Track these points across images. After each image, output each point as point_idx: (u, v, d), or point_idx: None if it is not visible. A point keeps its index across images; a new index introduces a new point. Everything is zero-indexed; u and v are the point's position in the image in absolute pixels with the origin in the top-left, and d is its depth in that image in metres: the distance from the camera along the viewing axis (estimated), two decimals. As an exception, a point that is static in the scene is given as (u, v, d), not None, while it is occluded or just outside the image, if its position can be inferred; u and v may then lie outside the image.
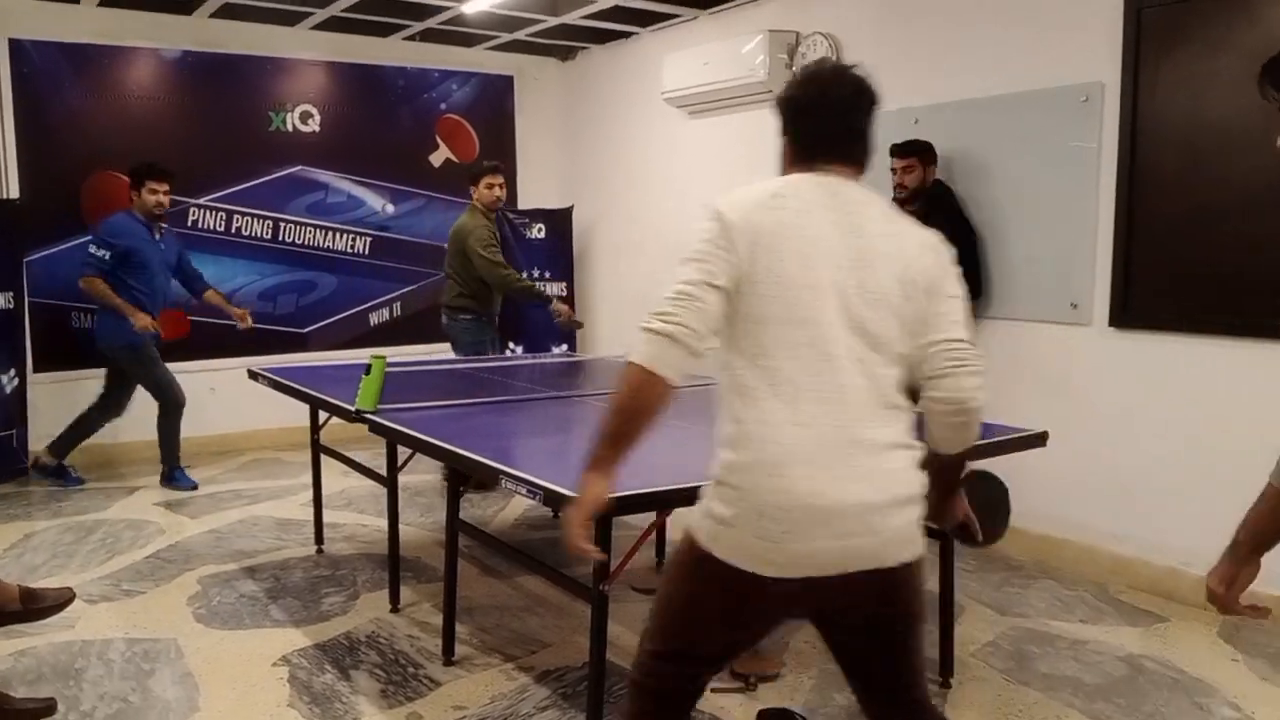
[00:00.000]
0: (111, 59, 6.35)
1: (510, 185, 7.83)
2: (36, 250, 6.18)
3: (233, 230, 6.80)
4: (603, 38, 7.22)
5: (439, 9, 6.30)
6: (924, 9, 5.10)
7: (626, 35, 7.08)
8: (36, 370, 6.20)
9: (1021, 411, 4.17)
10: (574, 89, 7.92)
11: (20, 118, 6.09)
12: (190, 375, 6.44)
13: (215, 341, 6.58)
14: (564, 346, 7.18)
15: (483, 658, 3.55)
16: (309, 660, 3.52)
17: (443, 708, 3.18)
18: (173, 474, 5.95)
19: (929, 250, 1.99)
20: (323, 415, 4.39)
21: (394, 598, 3.99)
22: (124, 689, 3.28)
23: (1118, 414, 4.35)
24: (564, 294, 7.32)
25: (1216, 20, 3.92)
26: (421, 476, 5.79)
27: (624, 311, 7.31)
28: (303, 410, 4.52)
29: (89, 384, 6.30)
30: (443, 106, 7.56)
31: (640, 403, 1.93)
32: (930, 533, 3.44)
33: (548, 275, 7.53)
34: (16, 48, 6.06)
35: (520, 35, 7.04)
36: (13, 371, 5.88)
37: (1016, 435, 3.23)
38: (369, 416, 3.46)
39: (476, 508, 5.34)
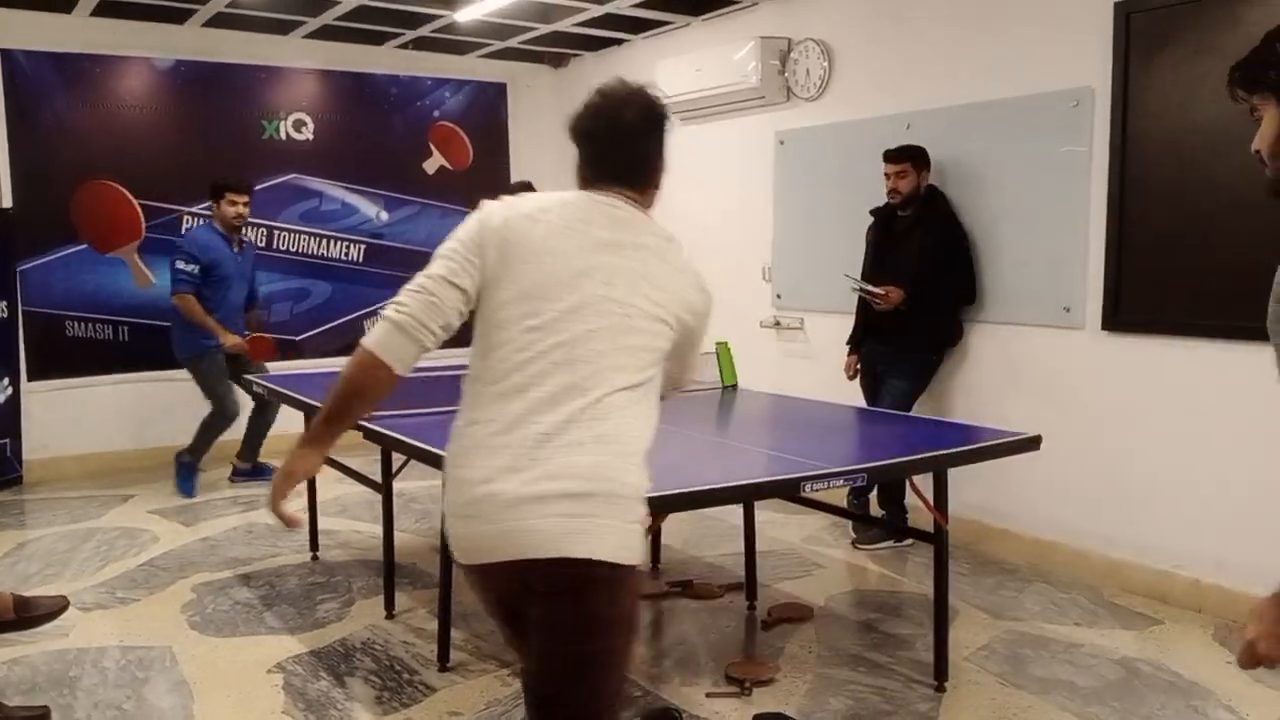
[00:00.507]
0: (104, 68, 6.35)
1: (504, 192, 7.84)
2: (29, 259, 6.18)
3: (226, 238, 6.79)
4: (595, 45, 7.24)
5: (431, 17, 6.31)
6: (915, 15, 5.12)
7: (619, 42, 7.10)
8: (30, 379, 6.19)
9: (1014, 416, 4.19)
10: (567, 96, 7.93)
11: (12, 127, 6.09)
12: (185, 383, 6.43)
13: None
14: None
15: (478, 664, 3.55)
16: (304, 667, 3.52)
17: (438, 714, 3.18)
18: (186, 473, 5.95)
19: (690, 286, 2.11)
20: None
21: (389, 604, 3.99)
22: (118, 697, 3.28)
23: (1110, 417, 4.36)
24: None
25: (1204, 24, 3.94)
26: (416, 483, 5.79)
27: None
28: (297, 417, 4.52)
29: (83, 393, 6.32)
30: (436, 114, 7.57)
31: (361, 385, 1.95)
32: (920, 535, 3.46)
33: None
34: (8, 58, 6.06)
35: (513, 43, 7.06)
36: (5, 381, 5.87)
37: (1010, 439, 3.23)
38: (363, 423, 3.46)
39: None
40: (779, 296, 6.03)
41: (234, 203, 5.87)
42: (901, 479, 4.31)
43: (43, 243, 6.22)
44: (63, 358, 6.30)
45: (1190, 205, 4.02)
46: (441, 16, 6.28)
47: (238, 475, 6.22)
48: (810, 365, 5.76)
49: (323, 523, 4.98)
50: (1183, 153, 4.04)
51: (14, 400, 5.98)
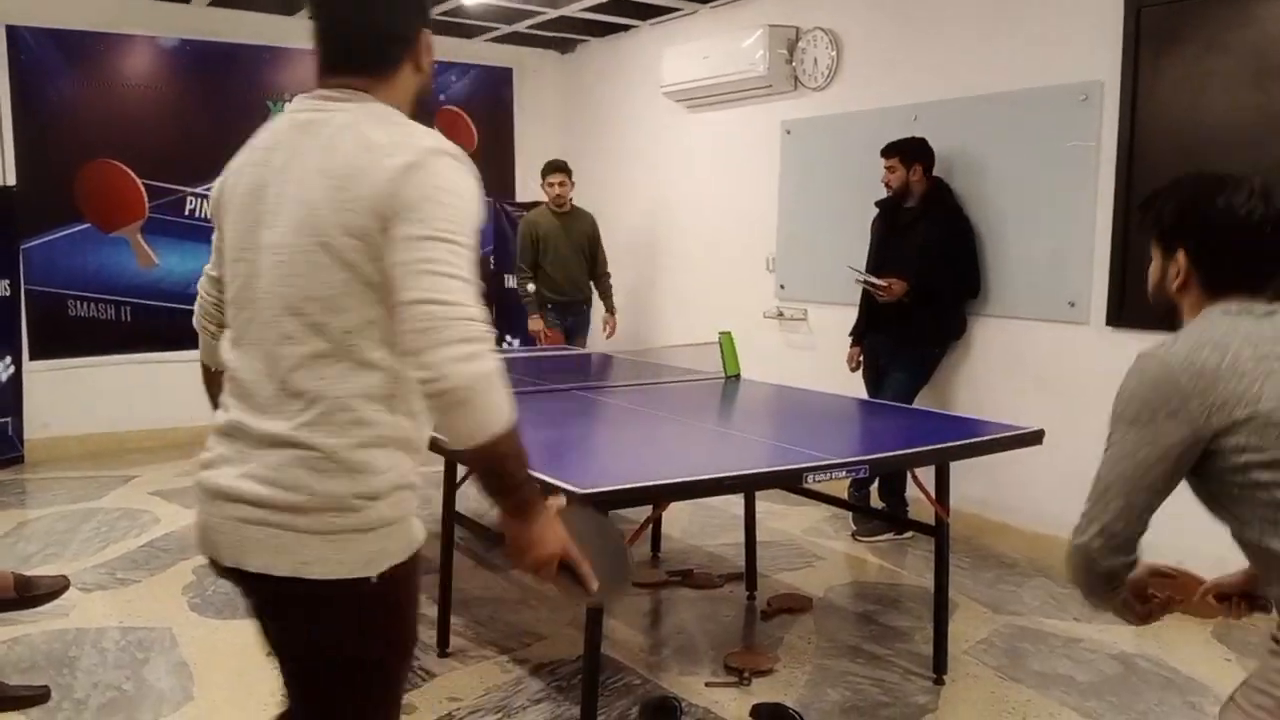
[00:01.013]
0: (109, 47, 6.33)
1: (509, 178, 7.85)
2: (33, 238, 6.16)
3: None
4: (602, 30, 7.21)
5: (438, 0, 6.28)
6: (924, 6, 5.10)
7: (626, 28, 7.07)
8: (33, 358, 6.19)
9: (1018, 409, 4.19)
10: (573, 82, 7.91)
11: (17, 105, 6.07)
12: (184, 365, 6.43)
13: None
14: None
15: (477, 650, 3.55)
16: (303, 651, 3.52)
17: (437, 699, 3.18)
18: None
19: (363, 176, 1.51)
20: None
21: (389, 589, 3.98)
22: (118, 678, 3.28)
23: (1104, 416, 4.35)
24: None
25: (1215, 20, 3.92)
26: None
27: (619, 304, 7.30)
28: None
29: (85, 372, 6.32)
30: (441, 98, 7.55)
31: (203, 379, 2.02)
32: (921, 528, 3.46)
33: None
34: (13, 35, 6.04)
35: (520, 27, 7.03)
36: (8, 359, 5.87)
37: (1012, 433, 3.23)
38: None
39: (473, 499, 5.34)
40: (782, 287, 6.02)
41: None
42: (903, 471, 4.33)
43: (45, 222, 6.20)
44: (65, 337, 6.29)
45: (1198, 201, 4.01)
46: (449, 0, 6.26)
47: None
48: (813, 356, 5.75)
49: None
50: (1191, 148, 4.02)
51: (15, 379, 5.98)
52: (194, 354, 2.04)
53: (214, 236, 1.78)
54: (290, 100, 1.68)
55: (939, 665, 3.37)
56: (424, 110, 1.71)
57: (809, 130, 5.77)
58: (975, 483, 4.63)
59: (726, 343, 4.38)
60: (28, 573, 3.39)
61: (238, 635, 3.64)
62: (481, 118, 7.72)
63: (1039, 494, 4.62)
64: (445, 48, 7.45)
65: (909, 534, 4.76)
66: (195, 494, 1.66)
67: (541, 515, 1.56)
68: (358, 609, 1.59)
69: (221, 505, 1.58)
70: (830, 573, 4.46)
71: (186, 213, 6.58)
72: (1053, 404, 4.46)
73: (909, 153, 4.73)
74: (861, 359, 5.03)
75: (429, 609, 3.80)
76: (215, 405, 1.76)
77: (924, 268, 4.68)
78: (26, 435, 6.13)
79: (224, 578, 1.65)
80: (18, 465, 6.03)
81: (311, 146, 1.57)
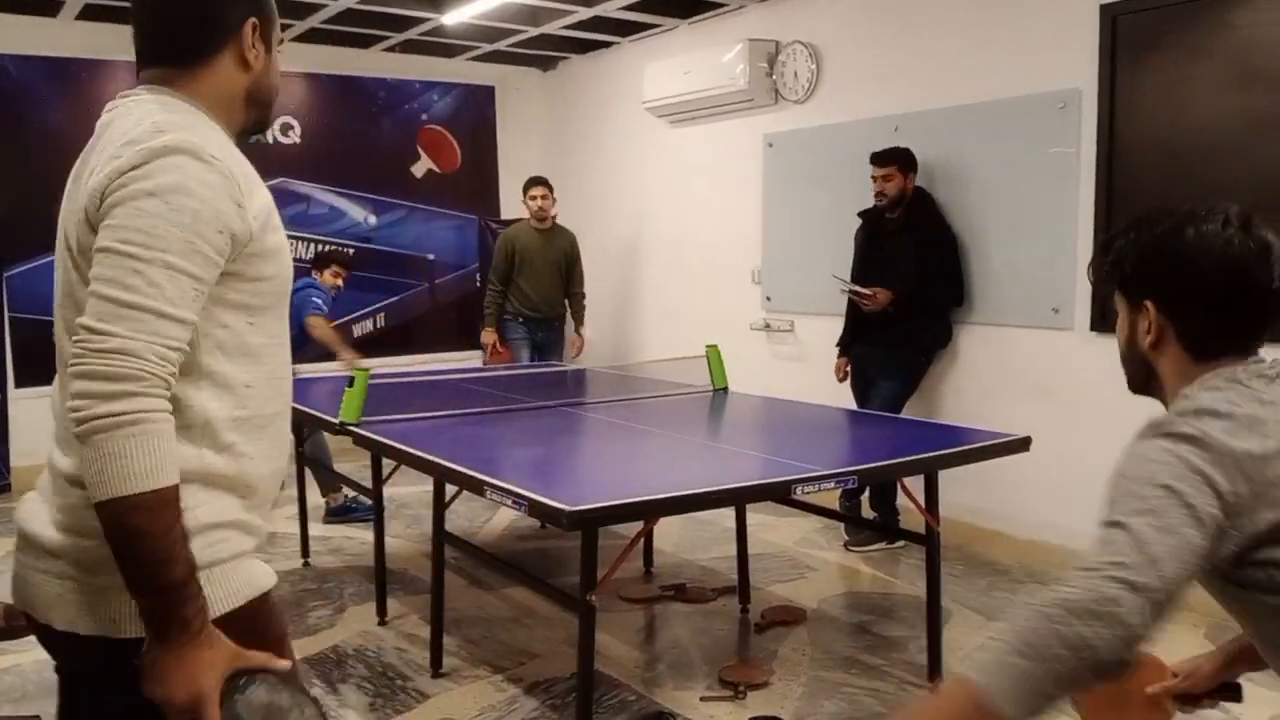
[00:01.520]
0: (92, 73, 6.32)
1: (493, 195, 7.86)
2: (16, 265, 6.14)
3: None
4: (584, 48, 7.24)
5: (419, 20, 6.30)
6: (903, 18, 5.13)
7: (607, 45, 7.10)
8: (18, 385, 6.15)
9: (1004, 417, 4.20)
10: (555, 99, 7.94)
11: (-1, 132, 6.06)
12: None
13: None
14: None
15: (471, 669, 3.54)
16: (296, 674, 3.50)
17: (431, 720, 3.17)
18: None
19: (91, 178, 1.33)
20: (307, 428, 4.37)
21: (381, 610, 3.98)
22: (109, 706, 3.26)
23: (1100, 418, 4.37)
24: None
25: (1191, 25, 3.96)
26: (407, 489, 5.77)
27: (605, 320, 7.31)
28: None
29: (70, 399, 6.28)
30: (424, 117, 7.56)
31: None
32: (912, 537, 3.46)
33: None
34: (-6, 62, 6.03)
35: (501, 46, 7.05)
36: (-7, 387, 5.84)
37: (1000, 440, 3.24)
38: (353, 429, 3.46)
39: (463, 518, 5.33)
40: (768, 299, 6.04)
41: (338, 274, 5.88)
42: (893, 481, 4.33)
43: (29, 248, 6.17)
44: (50, 364, 6.19)
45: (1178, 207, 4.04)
46: (429, 19, 6.27)
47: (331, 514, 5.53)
48: (800, 367, 5.77)
49: (314, 529, 4.96)
50: (1170, 154, 4.06)
51: (1, 407, 5.94)
52: None
53: None
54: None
55: (934, 674, 3.37)
56: (263, 117, 1.54)
57: (791, 143, 5.79)
58: (965, 491, 4.63)
59: (714, 356, 4.39)
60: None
61: (229, 660, 3.62)
62: (464, 136, 7.73)
63: (1028, 500, 4.64)
64: (427, 67, 7.47)
65: (901, 543, 4.76)
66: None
67: (189, 644, 1.24)
68: (115, 674, 1.32)
69: (24, 551, 1.41)
70: (823, 584, 4.46)
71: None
72: (1039, 410, 4.48)
73: (905, 161, 4.75)
74: (849, 369, 5.04)
75: (421, 630, 3.79)
76: None
77: (908, 277, 4.70)
78: (13, 463, 6.10)
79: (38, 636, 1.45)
80: (4, 493, 5.99)
81: (91, 148, 1.42)
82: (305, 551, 4.74)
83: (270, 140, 6.94)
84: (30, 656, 3.60)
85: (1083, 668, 1.16)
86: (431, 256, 7.61)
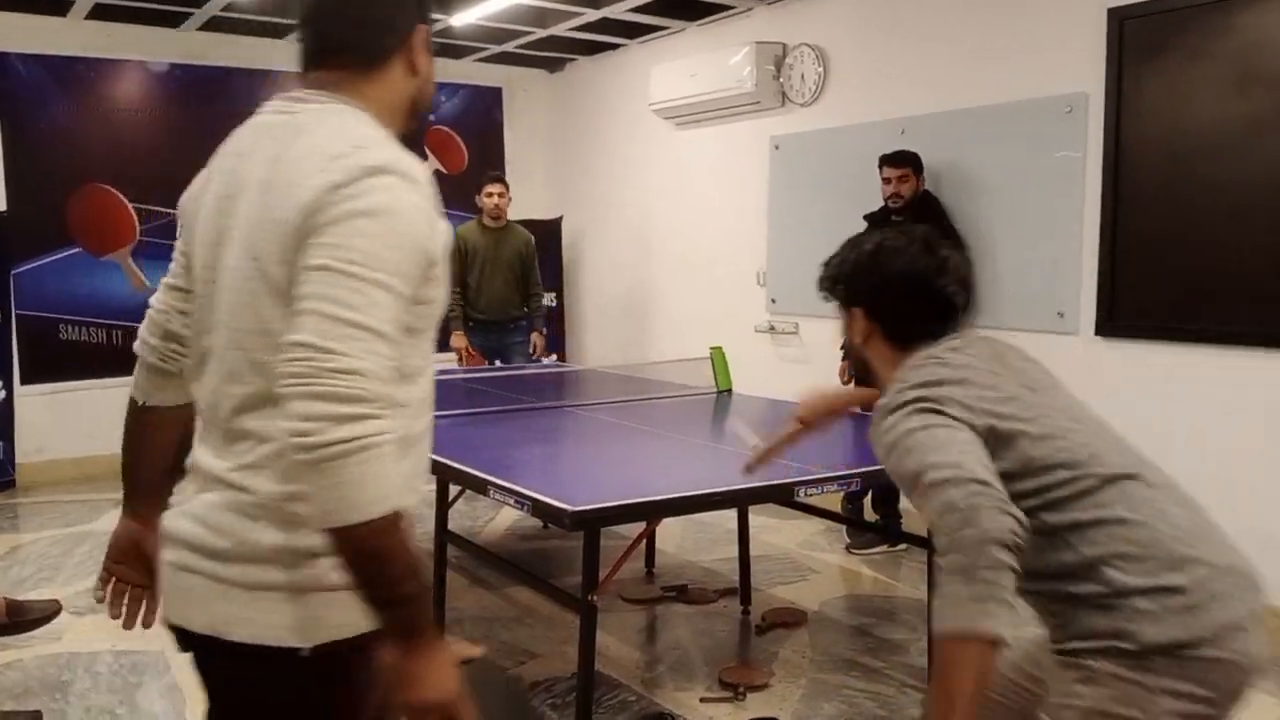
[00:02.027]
0: (98, 72, 6.34)
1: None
2: (24, 263, 6.17)
3: (221, 242, 6.78)
4: (591, 49, 7.24)
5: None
6: (909, 21, 5.14)
7: (614, 47, 7.11)
8: (24, 383, 6.18)
9: (1008, 420, 4.19)
10: (562, 101, 7.95)
11: (6, 131, 6.08)
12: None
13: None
14: (553, 357, 7.18)
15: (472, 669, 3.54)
16: (297, 672, 3.51)
17: (432, 719, 3.17)
18: None
19: (293, 191, 1.29)
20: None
21: (383, 609, 3.97)
22: (111, 702, 3.27)
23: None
24: (553, 304, 7.32)
25: (1197, 29, 3.96)
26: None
27: (611, 322, 7.32)
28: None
29: (78, 396, 6.31)
30: (431, 118, 7.57)
31: (126, 421, 1.65)
32: (914, 540, 3.46)
33: (537, 286, 7.54)
34: (3, 61, 6.05)
35: (509, 47, 7.06)
36: (0, 384, 5.86)
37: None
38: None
39: (465, 518, 5.33)
40: (773, 301, 6.04)
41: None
42: (895, 485, 4.33)
43: (37, 246, 6.21)
44: (56, 361, 6.29)
45: (1184, 211, 4.04)
46: (437, 21, 6.28)
47: None
48: (805, 370, 5.76)
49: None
50: (1176, 158, 4.05)
51: (7, 404, 5.97)
52: None
53: (180, 242, 1.55)
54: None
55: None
56: (414, 126, 1.51)
57: (797, 145, 5.79)
58: (968, 494, 4.63)
59: (718, 357, 4.39)
60: (20, 597, 3.39)
61: (231, 658, 3.63)
62: (471, 137, 7.74)
63: (1032, 504, 4.62)
64: (435, 67, 7.47)
65: (903, 546, 4.76)
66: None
67: (432, 648, 1.26)
68: (283, 684, 1.34)
69: (174, 560, 1.41)
70: (825, 586, 4.46)
71: (175, 237, 6.58)
72: (1044, 414, 4.46)
73: (917, 163, 4.75)
74: (853, 372, 5.04)
75: (423, 628, 3.80)
76: (134, 449, 1.62)
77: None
78: (18, 459, 6.12)
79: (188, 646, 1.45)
80: (10, 490, 6.01)
81: (266, 155, 1.37)
82: (308, 550, 4.75)
83: (277, 140, 6.95)
84: (32, 652, 3.61)
85: (1001, 553, 1.42)
86: (437, 257, 7.62)
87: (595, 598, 2.58)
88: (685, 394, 4.38)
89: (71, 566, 4.66)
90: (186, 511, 1.39)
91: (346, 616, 1.31)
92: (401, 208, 1.28)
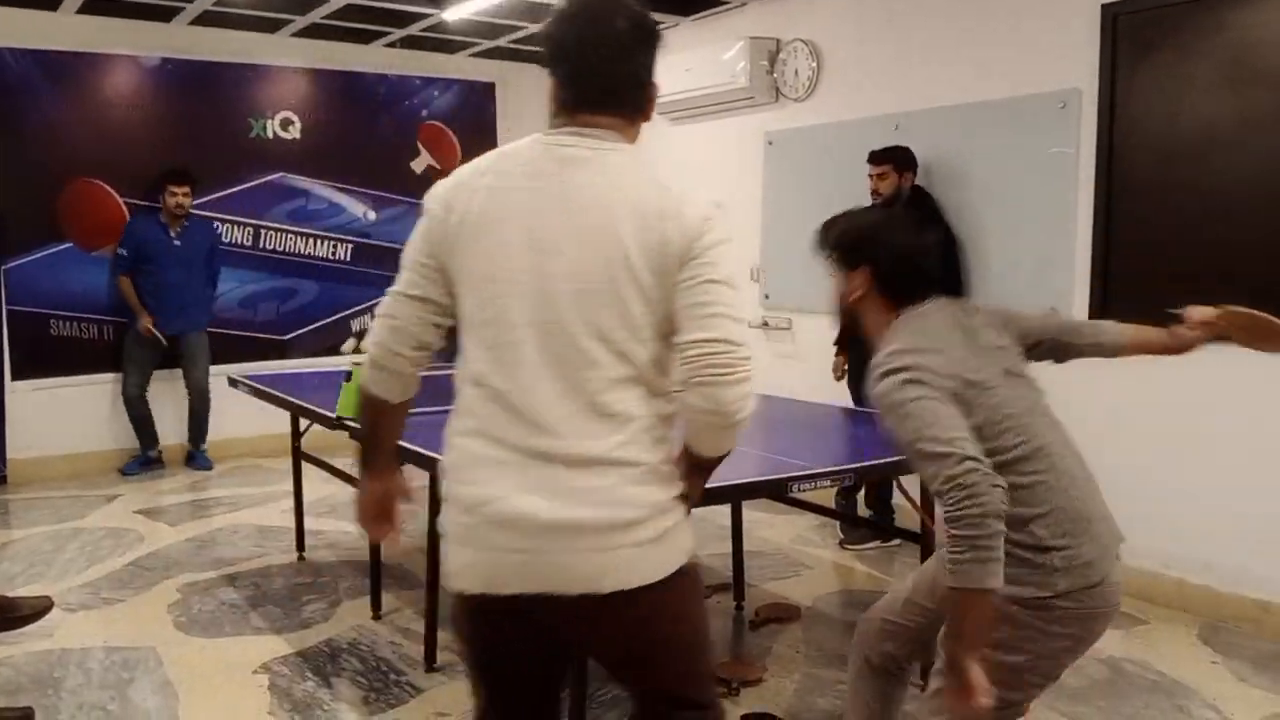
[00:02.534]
0: (90, 66, 6.31)
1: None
2: (14, 258, 6.14)
3: (213, 237, 6.76)
4: (584, 44, 7.22)
5: (420, 16, 6.30)
6: (903, 16, 5.13)
7: (608, 42, 7.08)
8: (15, 378, 6.15)
9: (1002, 416, 4.19)
10: (556, 96, 7.92)
11: (-2, 124, 6.06)
12: (170, 383, 6.43)
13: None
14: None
15: (465, 665, 3.53)
16: (290, 668, 3.51)
17: (425, 714, 3.17)
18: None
19: (665, 221, 1.65)
20: (304, 422, 4.37)
21: (376, 605, 3.98)
22: (103, 698, 3.26)
23: (1096, 418, 4.37)
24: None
25: (1190, 26, 3.96)
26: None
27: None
28: (284, 417, 4.51)
29: (69, 392, 6.29)
30: (424, 113, 7.56)
31: (370, 418, 1.91)
32: (908, 535, 3.46)
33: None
34: (-6, 54, 6.03)
35: (502, 42, 7.04)
36: (-10, 379, 5.84)
37: (996, 439, 3.23)
38: (351, 423, 3.45)
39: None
40: (767, 297, 6.04)
41: (173, 193, 6.23)
42: (889, 479, 4.33)
43: (27, 241, 6.18)
44: (47, 357, 6.26)
45: (1176, 206, 4.04)
46: (430, 15, 6.27)
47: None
48: (798, 365, 5.76)
49: (309, 523, 4.96)
50: (1169, 154, 4.06)
51: (-2, 399, 5.95)
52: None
53: (419, 257, 1.76)
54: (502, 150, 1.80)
55: (925, 673, 3.37)
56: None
57: (791, 140, 5.79)
58: (961, 490, 4.64)
59: (711, 353, 4.38)
60: (11, 594, 3.38)
61: (223, 654, 3.62)
62: (465, 132, 7.72)
63: (1025, 500, 4.63)
64: (427, 63, 7.46)
65: (896, 542, 4.76)
66: (477, 528, 1.67)
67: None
68: (684, 592, 1.76)
69: (572, 536, 1.63)
70: (818, 582, 4.46)
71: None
72: (1037, 410, 4.47)
73: (900, 160, 4.75)
74: (846, 368, 5.04)
75: (416, 624, 3.80)
76: (381, 433, 1.90)
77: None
78: (9, 455, 6.09)
79: (498, 611, 1.71)
80: (1, 486, 5.98)
81: (592, 181, 1.67)
82: (300, 545, 4.74)
83: (270, 135, 6.94)
84: (23, 649, 3.60)
85: (997, 523, 1.75)
86: (430, 252, 7.61)
87: (588, 593, 2.58)
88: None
89: (63, 563, 4.65)
90: (578, 500, 1.62)
91: (690, 538, 1.79)
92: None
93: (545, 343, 1.64)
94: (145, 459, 6.36)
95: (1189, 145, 3.98)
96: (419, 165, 7.54)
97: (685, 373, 1.64)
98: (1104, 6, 4.22)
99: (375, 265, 7.29)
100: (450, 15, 6.18)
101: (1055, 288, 4.48)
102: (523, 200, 1.66)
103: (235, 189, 6.81)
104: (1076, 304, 4.41)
